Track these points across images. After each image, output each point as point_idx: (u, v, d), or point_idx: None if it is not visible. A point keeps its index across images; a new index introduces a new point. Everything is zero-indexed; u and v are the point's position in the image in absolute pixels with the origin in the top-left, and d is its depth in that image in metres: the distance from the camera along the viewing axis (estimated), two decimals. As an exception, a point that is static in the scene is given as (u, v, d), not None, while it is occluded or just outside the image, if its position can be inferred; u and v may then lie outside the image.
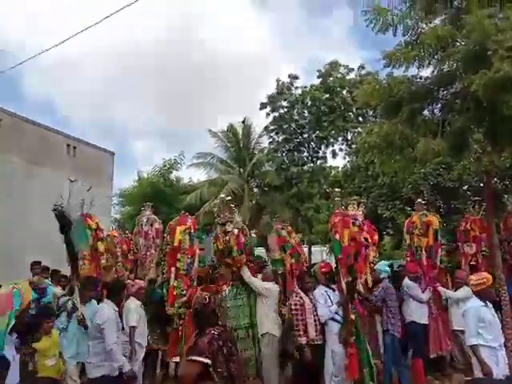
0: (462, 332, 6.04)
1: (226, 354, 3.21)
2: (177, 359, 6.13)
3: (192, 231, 6.73)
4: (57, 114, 63.86)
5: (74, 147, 18.90)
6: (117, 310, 4.86)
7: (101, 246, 6.66)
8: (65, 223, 6.57)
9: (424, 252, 6.51)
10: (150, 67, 66.40)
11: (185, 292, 6.42)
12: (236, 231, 5.95)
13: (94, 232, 6.65)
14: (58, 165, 17.72)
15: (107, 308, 4.80)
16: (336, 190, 6.90)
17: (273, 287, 5.82)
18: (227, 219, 6.09)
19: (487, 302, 4.66)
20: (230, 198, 6.65)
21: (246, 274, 5.84)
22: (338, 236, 5.59)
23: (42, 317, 4.22)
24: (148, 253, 7.32)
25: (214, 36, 68.98)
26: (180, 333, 6.26)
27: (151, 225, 7.70)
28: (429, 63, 6.66)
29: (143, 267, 7.25)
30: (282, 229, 6.96)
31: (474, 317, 4.53)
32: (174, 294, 6.41)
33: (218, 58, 63.30)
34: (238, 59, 59.40)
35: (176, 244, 6.60)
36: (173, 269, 6.51)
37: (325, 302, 5.64)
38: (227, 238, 5.91)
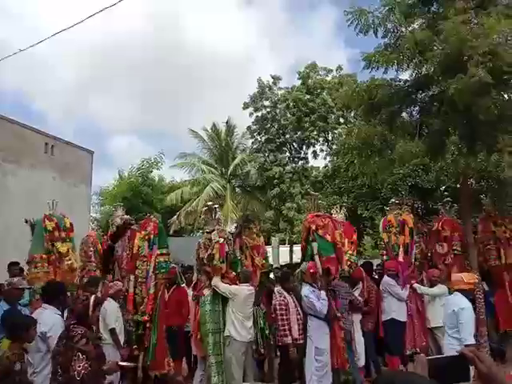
0: (438, 329, 6.23)
1: (69, 353, 3.29)
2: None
3: (152, 236, 6.56)
4: (32, 112, 62.21)
5: (52, 146, 18.53)
6: (60, 313, 4.53)
7: (62, 247, 6.50)
8: None
9: (401, 249, 6.68)
10: (129, 65, 65.66)
11: (146, 300, 6.34)
12: (221, 240, 5.89)
13: (48, 233, 6.52)
14: (36, 164, 17.39)
15: (50, 313, 4.42)
16: (313, 193, 7.04)
17: (240, 289, 5.71)
18: (214, 228, 6.02)
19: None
20: (217, 205, 6.52)
21: (214, 279, 5.75)
22: (328, 237, 5.80)
23: (31, 319, 4.10)
24: (124, 253, 7.17)
25: (198, 34, 68.64)
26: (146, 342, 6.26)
27: (130, 224, 7.55)
28: (407, 66, 6.79)
29: (120, 268, 7.12)
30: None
31: (472, 317, 4.62)
32: (136, 301, 6.30)
33: (201, 56, 63.03)
34: (222, 58, 59.30)
35: (135, 251, 6.48)
36: (132, 276, 6.38)
37: (316, 298, 5.73)
38: (211, 246, 5.87)
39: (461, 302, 4.65)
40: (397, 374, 1.24)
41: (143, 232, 6.60)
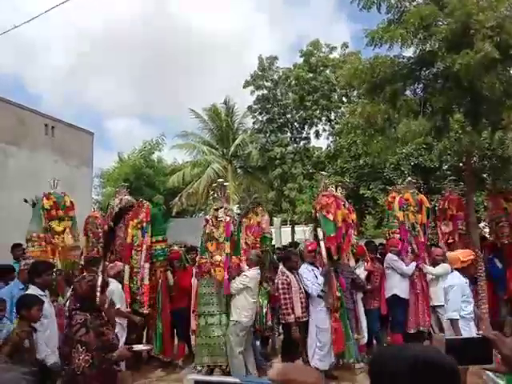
0: (440, 307, 6.26)
1: (70, 344, 3.15)
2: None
3: (144, 224, 6.43)
4: (29, 93, 61.46)
5: (52, 127, 18.42)
6: (43, 294, 4.36)
7: (58, 226, 6.45)
8: None
9: (420, 228, 6.63)
10: (128, 44, 64.79)
11: (141, 290, 6.22)
12: (228, 219, 5.84)
13: (46, 212, 6.47)
14: (36, 145, 17.31)
15: (32, 292, 4.30)
16: (323, 172, 6.95)
17: (252, 274, 5.70)
18: (222, 206, 5.97)
19: (467, 278, 4.84)
20: (227, 183, 6.42)
21: (232, 287, 5.63)
22: (331, 216, 5.77)
23: (35, 298, 4.08)
24: (116, 236, 7.11)
25: (198, 12, 67.48)
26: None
27: (132, 206, 7.42)
28: (411, 43, 6.64)
29: (114, 250, 7.07)
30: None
31: (459, 293, 4.69)
32: (132, 291, 6.24)
33: (202, 34, 62.12)
34: (222, 35, 58.45)
35: (129, 240, 6.38)
36: (126, 267, 6.28)
37: (313, 279, 5.77)
38: (217, 224, 5.83)
39: (452, 279, 4.77)
40: (398, 347, 1.21)
41: (135, 220, 6.47)
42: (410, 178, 7.30)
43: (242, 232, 6.39)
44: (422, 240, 6.59)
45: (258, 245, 6.59)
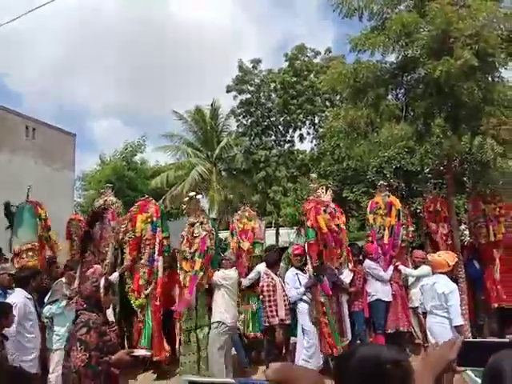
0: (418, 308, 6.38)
1: (72, 342, 3.17)
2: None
3: (154, 219, 6.41)
4: (8, 93, 59.71)
5: (33, 129, 18.15)
6: (30, 297, 4.43)
7: (54, 236, 6.69)
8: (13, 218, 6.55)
9: (386, 231, 6.75)
10: (110, 43, 64.12)
11: (153, 284, 6.16)
12: (204, 234, 5.73)
13: (43, 222, 6.63)
14: (16, 148, 17.04)
15: (17, 294, 4.40)
16: (312, 175, 7.01)
17: (231, 274, 5.71)
18: (196, 221, 5.87)
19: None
20: (200, 195, 6.33)
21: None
22: (309, 222, 5.79)
23: (8, 304, 3.98)
24: (106, 234, 7.03)
25: (181, 12, 67.30)
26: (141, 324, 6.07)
27: (106, 208, 7.15)
28: (393, 49, 6.76)
29: (99, 252, 7.00)
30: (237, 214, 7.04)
31: (458, 297, 4.81)
32: (140, 284, 6.18)
33: (185, 35, 61.99)
34: (206, 37, 58.41)
35: (138, 234, 6.31)
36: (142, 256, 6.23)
37: (294, 284, 5.79)
38: (193, 241, 5.73)
39: (450, 284, 4.83)
40: (360, 348, 1.23)
41: (144, 214, 6.41)
42: (382, 182, 7.46)
43: (236, 236, 6.38)
44: (386, 242, 6.71)
45: (251, 250, 6.62)
